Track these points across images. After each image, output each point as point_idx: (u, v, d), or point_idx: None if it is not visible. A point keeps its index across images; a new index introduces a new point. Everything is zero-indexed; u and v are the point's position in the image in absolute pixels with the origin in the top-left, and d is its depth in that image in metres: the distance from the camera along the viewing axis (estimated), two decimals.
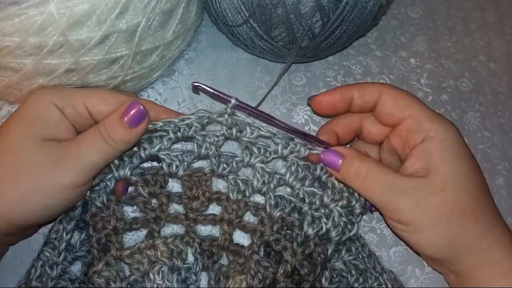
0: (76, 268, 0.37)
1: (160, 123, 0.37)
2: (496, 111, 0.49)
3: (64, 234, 0.35)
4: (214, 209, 0.40)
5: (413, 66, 0.50)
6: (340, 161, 0.37)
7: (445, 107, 0.48)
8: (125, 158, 0.37)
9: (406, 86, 0.49)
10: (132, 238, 0.39)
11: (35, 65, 0.35)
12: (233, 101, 0.37)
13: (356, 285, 0.37)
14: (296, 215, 0.37)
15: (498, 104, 0.49)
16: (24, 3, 0.33)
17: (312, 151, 0.38)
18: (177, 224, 0.39)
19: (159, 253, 0.35)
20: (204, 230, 0.40)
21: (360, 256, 0.38)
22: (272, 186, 0.38)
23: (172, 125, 0.37)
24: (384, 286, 0.37)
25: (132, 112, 0.35)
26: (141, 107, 0.35)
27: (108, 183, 0.37)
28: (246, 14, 0.41)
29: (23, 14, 0.33)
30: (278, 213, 0.37)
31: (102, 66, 0.37)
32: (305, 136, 0.38)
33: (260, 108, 0.47)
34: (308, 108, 0.47)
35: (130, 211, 0.40)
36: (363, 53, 0.50)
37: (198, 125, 0.37)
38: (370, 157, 0.37)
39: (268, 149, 0.38)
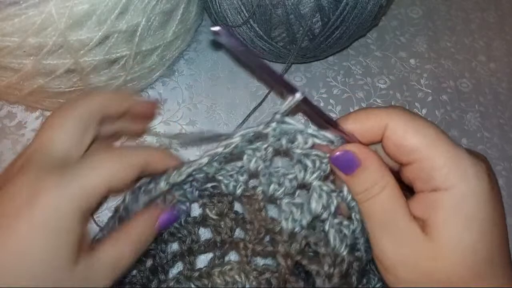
0: None
1: (205, 160, 0.31)
2: (496, 112, 0.49)
3: None
4: None
5: (413, 66, 0.50)
6: (357, 168, 0.29)
7: (445, 108, 0.48)
8: (194, 184, 0.34)
9: (406, 86, 0.49)
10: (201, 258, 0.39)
11: (35, 65, 0.35)
12: (298, 95, 0.28)
13: (359, 286, 0.36)
14: (357, 255, 0.30)
15: (498, 105, 0.49)
16: (23, 3, 0.33)
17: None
18: (237, 252, 0.37)
19: (217, 281, 0.35)
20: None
21: None
22: (332, 210, 0.30)
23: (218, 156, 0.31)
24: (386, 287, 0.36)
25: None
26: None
27: (183, 207, 0.34)
28: (246, 14, 0.41)
29: (23, 14, 0.33)
30: (348, 258, 0.30)
31: (102, 67, 0.37)
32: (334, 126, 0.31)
33: (260, 108, 0.47)
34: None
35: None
36: (363, 53, 0.50)
37: (244, 143, 0.31)
38: (389, 176, 0.29)
39: (324, 161, 0.31)
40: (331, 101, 0.48)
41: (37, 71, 0.36)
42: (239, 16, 0.41)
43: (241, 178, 0.33)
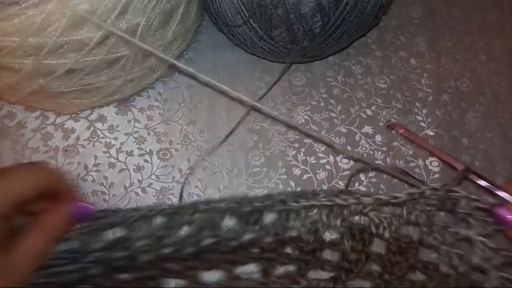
0: None
1: (370, 200, 0.35)
2: (496, 111, 0.49)
3: None
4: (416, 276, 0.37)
5: (413, 66, 0.50)
6: None
7: (445, 107, 0.48)
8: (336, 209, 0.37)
9: (406, 86, 0.49)
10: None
11: (35, 65, 0.35)
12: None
13: None
14: None
15: (499, 104, 0.49)
16: (23, 3, 0.33)
17: None
18: (368, 281, 0.38)
19: None
20: None
21: None
22: (495, 264, 0.33)
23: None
24: None
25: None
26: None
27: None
28: (246, 14, 0.41)
29: (23, 14, 0.33)
30: None
31: (102, 67, 0.37)
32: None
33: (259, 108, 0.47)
34: (309, 108, 0.47)
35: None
36: (363, 53, 0.50)
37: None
38: None
39: (489, 220, 0.34)
40: (331, 101, 0.48)
41: (37, 71, 0.36)
42: (239, 16, 0.41)
43: (395, 223, 0.36)
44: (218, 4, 0.42)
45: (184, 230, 0.35)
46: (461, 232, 0.34)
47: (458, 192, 0.34)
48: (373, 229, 0.37)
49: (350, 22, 0.41)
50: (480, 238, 0.33)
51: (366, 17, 0.41)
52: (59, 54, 0.35)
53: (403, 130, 0.39)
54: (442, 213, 0.36)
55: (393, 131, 0.42)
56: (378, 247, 0.38)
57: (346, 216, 0.37)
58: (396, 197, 0.34)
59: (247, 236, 0.36)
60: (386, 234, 0.36)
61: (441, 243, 0.35)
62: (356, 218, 0.37)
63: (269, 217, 0.37)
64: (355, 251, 0.38)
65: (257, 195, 0.37)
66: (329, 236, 0.39)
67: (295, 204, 0.36)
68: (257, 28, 0.41)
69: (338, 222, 0.37)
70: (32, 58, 0.35)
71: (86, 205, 0.34)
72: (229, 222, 0.36)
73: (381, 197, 0.35)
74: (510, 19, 0.54)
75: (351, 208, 0.36)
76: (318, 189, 0.38)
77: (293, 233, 0.37)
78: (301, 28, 0.40)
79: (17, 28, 0.33)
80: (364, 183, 0.45)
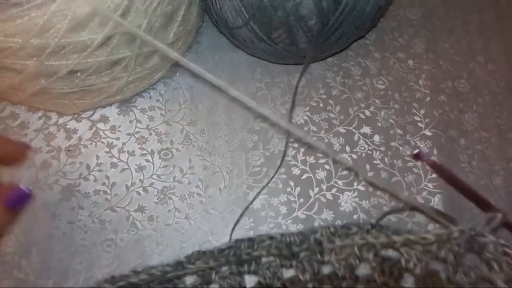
0: None
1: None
2: (494, 112, 0.49)
3: None
4: None
5: (411, 67, 0.51)
6: None
7: (443, 108, 0.49)
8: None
9: (404, 87, 0.49)
10: None
11: (37, 66, 0.36)
12: (499, 216, 0.33)
13: None
14: None
15: (496, 105, 0.49)
16: (26, 4, 0.33)
17: None
18: None
19: None
20: None
21: None
22: None
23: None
24: None
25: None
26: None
27: None
28: (247, 16, 0.41)
29: (26, 16, 0.33)
30: None
31: (104, 68, 0.38)
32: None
33: (259, 108, 0.47)
34: (308, 108, 0.48)
35: None
36: (362, 54, 0.51)
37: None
38: None
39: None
40: (330, 101, 0.48)
41: (39, 72, 0.36)
42: (239, 18, 0.42)
43: (424, 259, 0.35)
44: (218, 6, 0.42)
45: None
46: (485, 274, 0.34)
47: (486, 236, 0.33)
48: (403, 263, 0.35)
49: (348, 24, 0.41)
50: (503, 284, 0.33)
51: (365, 19, 0.42)
52: (61, 55, 0.36)
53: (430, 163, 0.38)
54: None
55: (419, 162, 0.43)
56: (405, 282, 0.37)
57: (378, 250, 0.36)
58: (425, 238, 0.34)
59: (287, 274, 0.35)
60: (417, 270, 0.35)
61: (466, 284, 0.34)
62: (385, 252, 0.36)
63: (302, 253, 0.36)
64: (387, 287, 0.36)
65: (291, 232, 0.35)
66: (360, 271, 0.37)
67: (330, 245, 0.35)
68: (257, 30, 0.42)
69: (371, 256, 0.36)
70: (34, 59, 0.35)
71: (23, 189, 0.31)
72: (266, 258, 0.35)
73: (411, 237, 0.34)
74: (507, 20, 0.54)
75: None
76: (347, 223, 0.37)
77: (328, 269, 0.35)
78: (300, 30, 0.41)
79: (20, 29, 0.34)
80: (363, 182, 0.45)
